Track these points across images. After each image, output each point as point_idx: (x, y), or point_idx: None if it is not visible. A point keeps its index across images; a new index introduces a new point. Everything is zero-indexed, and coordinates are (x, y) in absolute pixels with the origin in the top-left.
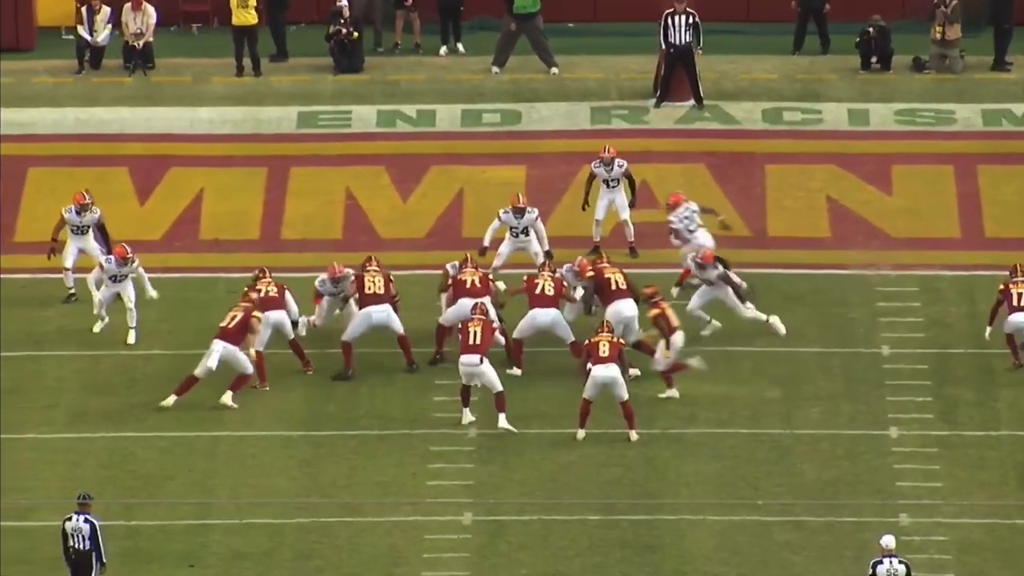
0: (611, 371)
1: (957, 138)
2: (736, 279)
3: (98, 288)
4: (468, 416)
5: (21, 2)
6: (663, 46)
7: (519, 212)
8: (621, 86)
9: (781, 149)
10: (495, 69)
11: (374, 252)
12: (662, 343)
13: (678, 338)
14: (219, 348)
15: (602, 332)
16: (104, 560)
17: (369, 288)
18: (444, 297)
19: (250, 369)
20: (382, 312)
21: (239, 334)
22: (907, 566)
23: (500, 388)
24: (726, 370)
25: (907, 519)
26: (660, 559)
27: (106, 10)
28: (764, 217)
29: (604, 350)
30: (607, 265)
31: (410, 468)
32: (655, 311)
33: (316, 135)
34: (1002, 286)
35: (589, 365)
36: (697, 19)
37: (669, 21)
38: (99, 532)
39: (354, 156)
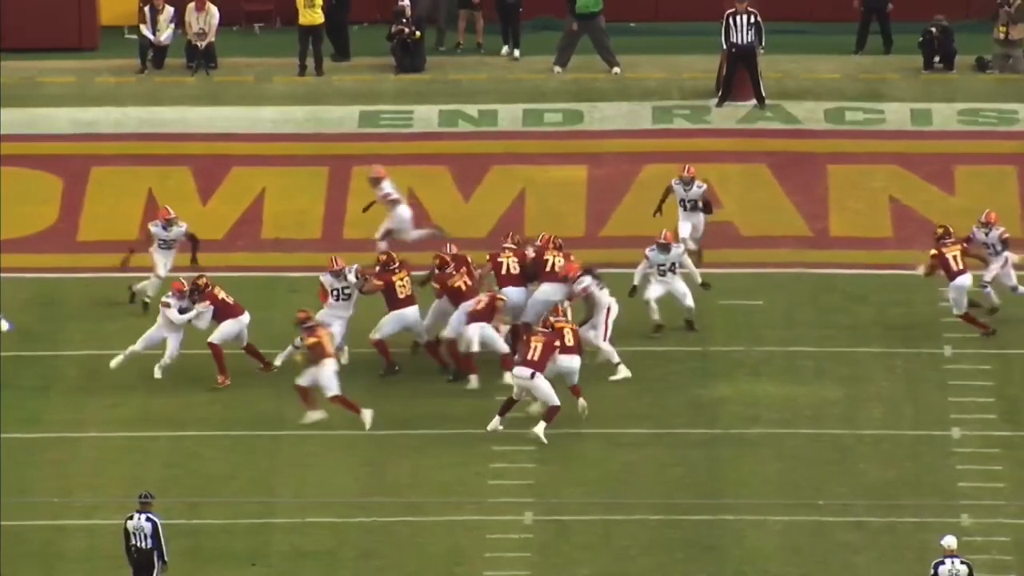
0: (575, 362)
1: (1020, 138)
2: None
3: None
4: (496, 423)
5: (84, 2)
6: (725, 46)
7: (664, 248)
8: (683, 86)
9: (843, 149)
10: (557, 69)
11: (437, 251)
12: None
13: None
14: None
15: (559, 316)
16: (166, 559)
17: (401, 292)
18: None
19: (506, 349)
20: (414, 313)
21: (488, 314)
22: (969, 566)
23: (557, 403)
24: (788, 370)
25: (968, 519)
26: (721, 559)
27: (169, 10)
28: (826, 217)
29: (569, 339)
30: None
31: (472, 468)
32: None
33: (378, 134)
34: (934, 251)
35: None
36: (759, 18)
37: (731, 21)
38: (160, 531)
39: (416, 155)
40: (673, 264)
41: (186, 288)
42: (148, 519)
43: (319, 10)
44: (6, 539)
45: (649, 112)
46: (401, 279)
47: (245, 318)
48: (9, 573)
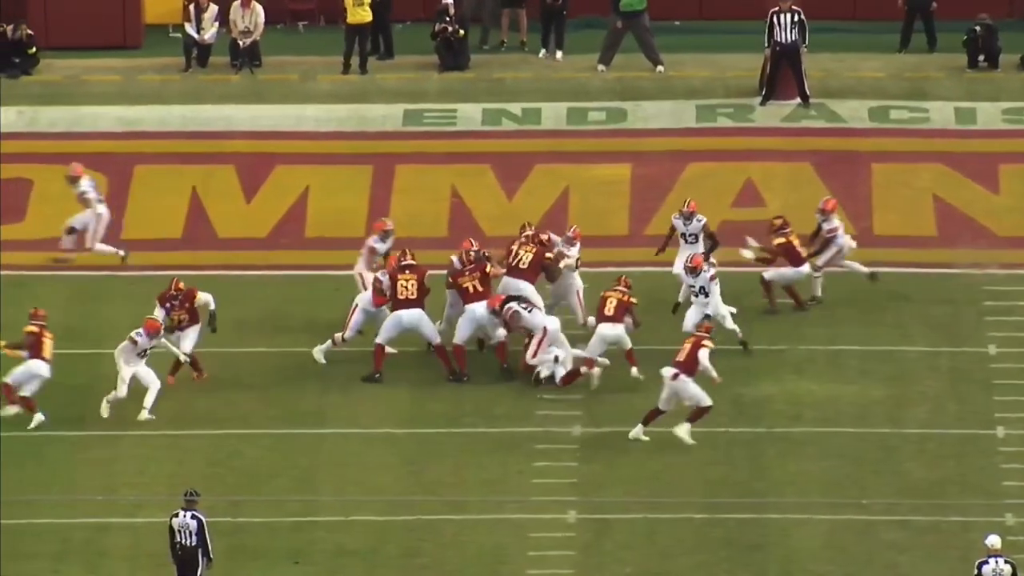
0: (617, 330)
1: None
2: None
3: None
4: (639, 432)
5: (129, 1)
6: (769, 44)
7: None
8: (727, 84)
9: (887, 147)
10: (601, 67)
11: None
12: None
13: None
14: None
15: (617, 286)
16: (211, 556)
17: (402, 293)
18: (449, 295)
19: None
20: (413, 316)
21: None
22: (1013, 566)
23: (708, 403)
24: (832, 369)
25: (1013, 519)
26: (765, 558)
27: (214, 8)
28: (870, 216)
29: (610, 308)
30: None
31: (515, 466)
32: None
33: (421, 133)
34: (782, 240)
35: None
36: (803, 17)
37: (775, 19)
38: (206, 528)
39: (459, 154)
40: (703, 288)
41: (160, 324)
42: (194, 517)
43: (368, 8)
44: (50, 537)
45: (693, 110)
46: (405, 280)
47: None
48: (53, 570)
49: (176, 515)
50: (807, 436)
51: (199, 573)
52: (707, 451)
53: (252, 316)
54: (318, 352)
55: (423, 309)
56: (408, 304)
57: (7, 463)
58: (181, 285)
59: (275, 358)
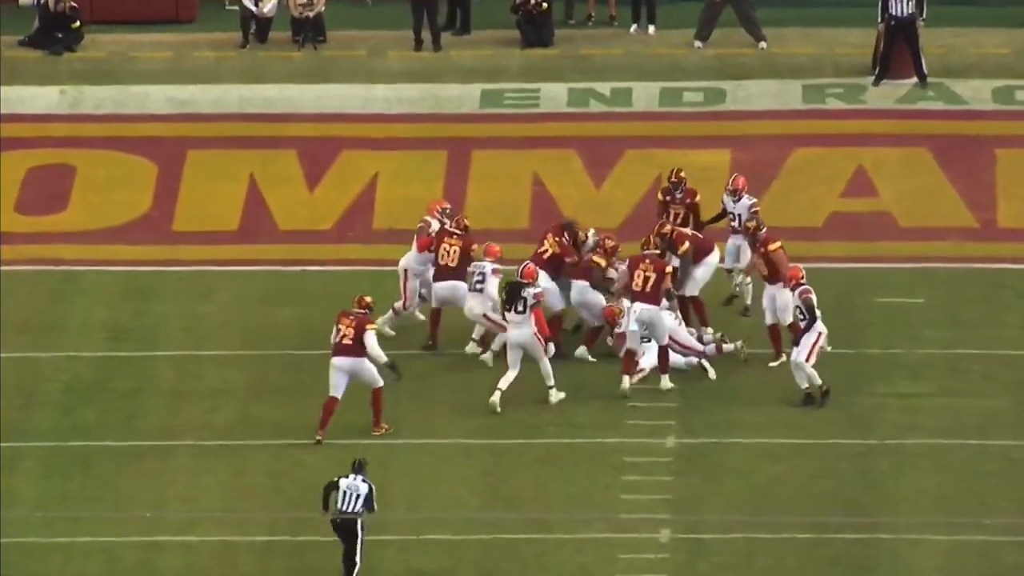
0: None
1: None
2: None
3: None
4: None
5: None
6: (883, 18)
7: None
8: (837, 62)
9: (1013, 131)
10: (698, 44)
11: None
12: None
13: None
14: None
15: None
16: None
17: (443, 258)
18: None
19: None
20: (446, 288)
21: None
22: None
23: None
24: (951, 375)
25: None
26: None
27: None
28: (994, 206)
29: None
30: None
31: (602, 480)
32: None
33: (501, 115)
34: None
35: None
36: None
37: None
38: (374, 498)
39: (542, 138)
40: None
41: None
42: (364, 480)
43: None
44: (99, 556)
45: (799, 91)
46: (449, 246)
47: None
48: None
49: (345, 476)
50: (923, 448)
51: (357, 547)
52: (813, 464)
53: (313, 315)
54: (382, 324)
55: (462, 279)
56: (446, 272)
57: (51, 474)
58: (367, 300)
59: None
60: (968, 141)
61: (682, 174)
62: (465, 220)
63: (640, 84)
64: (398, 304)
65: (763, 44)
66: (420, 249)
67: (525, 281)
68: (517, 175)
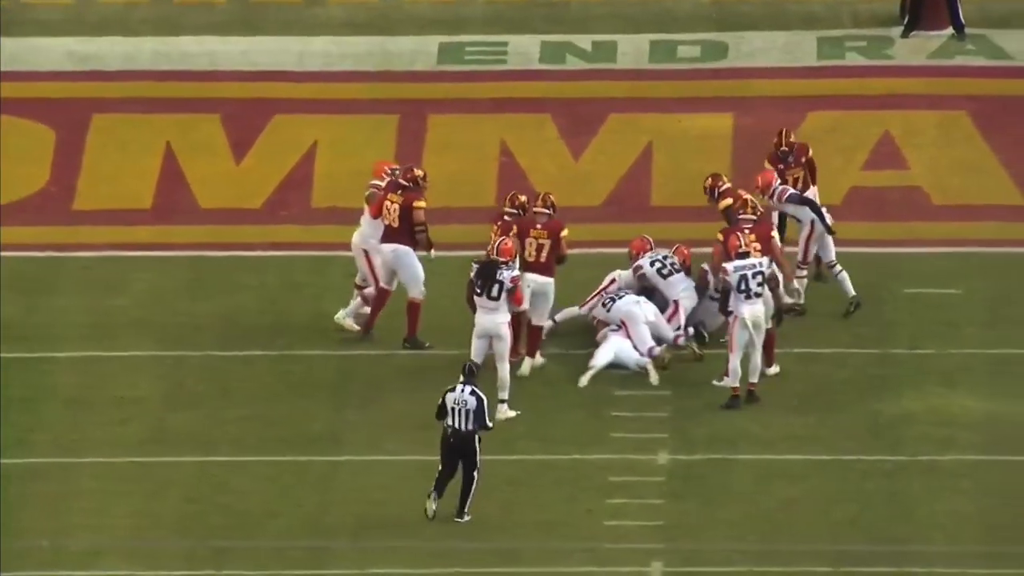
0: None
1: None
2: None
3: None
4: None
5: None
6: None
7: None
8: (857, 10)
9: None
10: None
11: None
12: None
13: None
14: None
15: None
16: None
17: (386, 216)
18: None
19: None
20: (390, 251)
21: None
22: None
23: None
24: (993, 380)
25: None
26: None
27: None
28: None
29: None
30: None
31: (583, 503)
32: None
33: (462, 73)
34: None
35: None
36: None
37: None
38: (486, 410)
39: (510, 100)
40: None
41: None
42: (473, 392)
43: None
44: None
45: (813, 44)
46: (391, 202)
47: None
48: None
49: (452, 389)
50: (960, 466)
51: (476, 463)
52: (833, 484)
53: (244, 310)
54: (344, 316)
55: (405, 242)
56: (390, 234)
57: None
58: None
59: (274, 364)
60: (1014, 103)
61: (792, 138)
62: (416, 170)
63: (626, 37)
64: (369, 289)
65: None
66: (374, 215)
67: (502, 260)
68: (481, 144)
